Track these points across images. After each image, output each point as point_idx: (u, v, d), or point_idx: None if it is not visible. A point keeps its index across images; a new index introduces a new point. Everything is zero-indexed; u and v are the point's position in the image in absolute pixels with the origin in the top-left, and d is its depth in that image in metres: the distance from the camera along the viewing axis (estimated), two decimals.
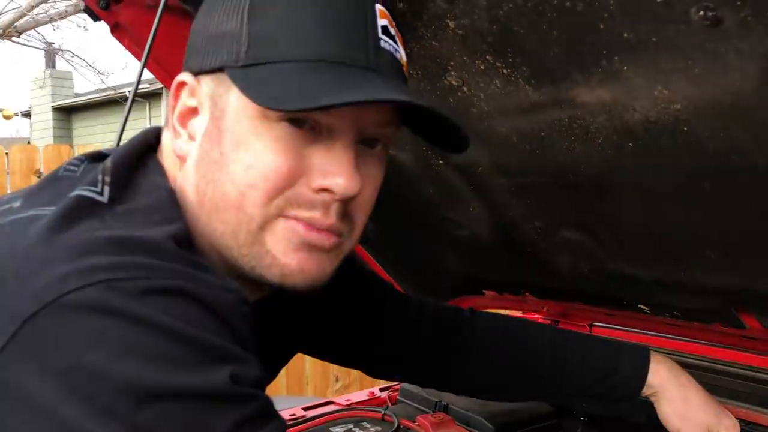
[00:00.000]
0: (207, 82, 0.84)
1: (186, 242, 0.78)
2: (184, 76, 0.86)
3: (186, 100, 0.86)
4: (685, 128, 1.06)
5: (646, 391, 1.26)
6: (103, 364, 0.64)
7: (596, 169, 1.27)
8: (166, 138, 0.92)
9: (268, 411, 0.74)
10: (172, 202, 0.82)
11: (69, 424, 0.63)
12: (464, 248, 1.85)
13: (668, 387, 1.26)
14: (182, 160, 0.86)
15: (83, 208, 0.76)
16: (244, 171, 0.79)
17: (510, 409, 1.77)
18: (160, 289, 0.69)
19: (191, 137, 0.86)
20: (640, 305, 1.58)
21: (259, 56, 0.78)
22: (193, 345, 0.68)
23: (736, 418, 1.39)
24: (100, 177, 0.79)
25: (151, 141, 0.91)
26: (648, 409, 1.30)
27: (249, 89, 0.77)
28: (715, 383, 1.54)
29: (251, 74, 0.78)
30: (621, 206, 1.32)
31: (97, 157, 0.89)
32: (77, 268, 0.68)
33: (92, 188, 0.78)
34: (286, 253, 0.82)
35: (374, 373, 1.45)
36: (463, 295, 2.13)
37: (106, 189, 0.79)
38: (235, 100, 0.81)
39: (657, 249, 1.36)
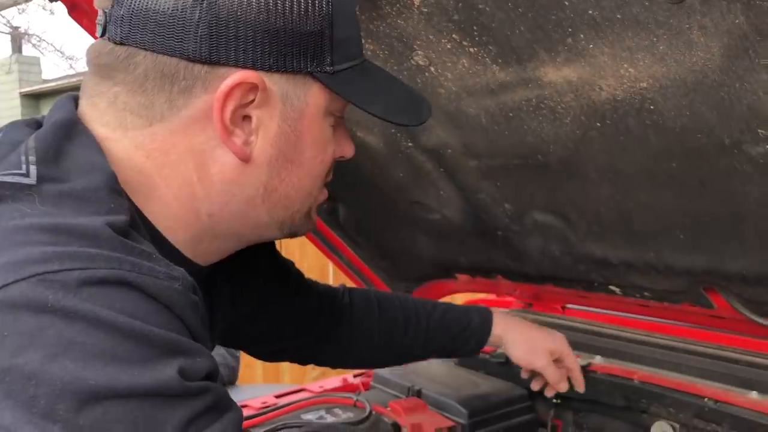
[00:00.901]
0: (279, 82, 0.83)
1: (127, 230, 0.74)
2: (251, 77, 0.80)
3: (244, 98, 0.82)
4: (652, 107, 1.05)
5: (493, 341, 1.47)
6: (38, 365, 0.60)
7: (565, 149, 1.26)
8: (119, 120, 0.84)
9: (222, 403, 0.71)
10: (111, 186, 0.76)
11: (6, 429, 0.59)
12: (435, 232, 1.83)
13: (511, 332, 1.46)
14: (244, 160, 0.85)
15: (7, 196, 0.70)
16: (319, 165, 0.91)
17: (483, 393, 1.76)
18: (98, 280, 0.65)
19: (250, 135, 0.84)
20: (610, 287, 1.58)
21: (338, 60, 0.86)
22: (136, 339, 0.64)
23: (707, 398, 1.40)
24: (23, 157, 0.73)
25: (73, 112, 0.83)
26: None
27: (368, 105, 0.89)
28: (685, 363, 1.55)
29: (345, 82, 0.87)
30: (590, 187, 1.32)
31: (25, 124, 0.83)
32: (6, 261, 0.64)
33: (15, 171, 0.72)
34: (315, 214, 0.99)
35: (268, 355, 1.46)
36: (435, 279, 2.12)
37: (32, 169, 0.73)
38: (313, 102, 0.86)
39: (626, 230, 1.36)
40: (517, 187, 1.48)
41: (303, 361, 1.50)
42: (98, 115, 0.83)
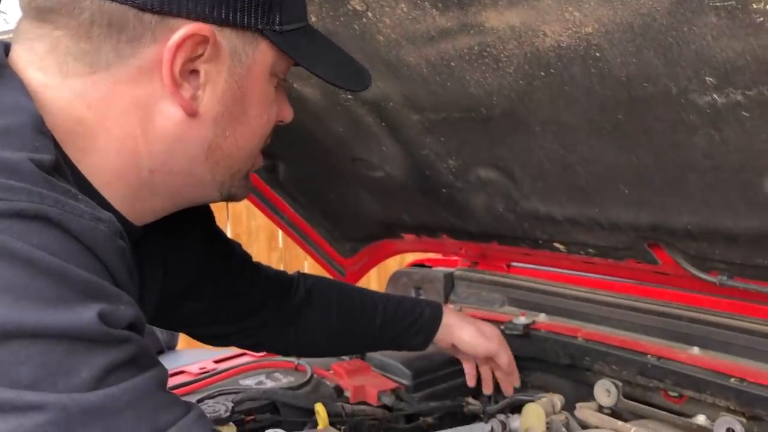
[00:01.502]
0: (229, 37, 0.83)
1: (51, 170, 0.70)
2: (202, 29, 0.79)
3: (194, 51, 0.80)
4: (597, 54, 0.99)
5: (443, 332, 1.47)
6: None
7: (509, 101, 1.20)
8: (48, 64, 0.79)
9: (146, 358, 0.67)
10: (37, 127, 0.72)
11: None
12: (379, 190, 1.77)
13: (460, 321, 1.49)
14: (191, 115, 0.84)
15: None
16: (263, 125, 0.92)
17: (427, 354, 1.72)
18: (15, 212, 0.62)
19: (197, 90, 0.83)
20: (555, 244, 1.55)
21: (286, 20, 0.87)
22: (52, 277, 0.61)
23: (650, 355, 1.40)
24: None
25: (2, 57, 0.78)
26: None
27: (315, 67, 0.91)
28: (629, 319, 1.54)
29: (292, 43, 0.88)
30: (534, 141, 1.27)
31: None
32: None
33: None
34: (250, 179, 0.99)
35: (216, 340, 1.40)
36: (381, 238, 2.07)
37: None
38: (261, 60, 0.87)
39: (571, 186, 1.32)
40: (460, 143, 1.42)
41: (253, 348, 1.48)
42: (35, 59, 0.79)
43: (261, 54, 0.86)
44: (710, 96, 0.96)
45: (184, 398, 1.59)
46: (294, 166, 1.86)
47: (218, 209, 4.33)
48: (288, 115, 1.00)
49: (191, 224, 1.15)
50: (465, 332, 1.47)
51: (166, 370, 0.72)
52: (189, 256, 1.16)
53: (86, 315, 0.62)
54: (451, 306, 1.55)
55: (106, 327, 0.63)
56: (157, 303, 1.10)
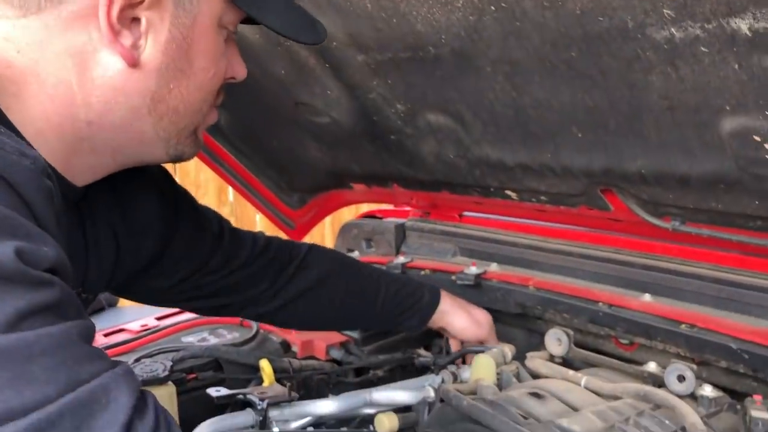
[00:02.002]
0: None
1: None
2: None
3: None
4: None
5: (436, 316, 1.46)
6: None
7: (458, 39, 1.13)
8: None
9: (69, 306, 0.63)
10: None
11: None
12: (326, 137, 1.69)
13: (455, 308, 1.47)
14: (132, 65, 0.80)
15: None
16: (210, 80, 0.88)
17: None
18: None
19: (138, 38, 0.80)
20: (507, 192, 1.50)
21: None
22: None
23: (601, 303, 1.37)
24: None
25: None
26: None
27: (265, 18, 0.88)
28: (581, 267, 1.51)
29: None
30: (485, 82, 1.20)
31: None
32: None
33: None
34: (201, 136, 0.95)
35: (198, 309, 1.40)
36: (330, 189, 2.00)
37: None
38: (207, 10, 0.83)
39: (523, 130, 1.27)
40: (408, 85, 1.35)
41: (256, 319, 1.49)
42: None
43: (207, 3, 0.83)
44: (668, 30, 0.90)
45: (122, 357, 1.53)
46: (235, 113, 1.76)
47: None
48: (240, 72, 0.97)
49: (146, 197, 1.10)
50: (458, 318, 1.46)
51: (92, 324, 0.67)
52: (145, 230, 1.10)
53: (1, 249, 0.57)
54: (446, 292, 1.51)
55: (23, 265, 0.58)
56: (125, 277, 1.09)
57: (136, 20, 0.79)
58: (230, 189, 4.33)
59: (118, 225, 1.03)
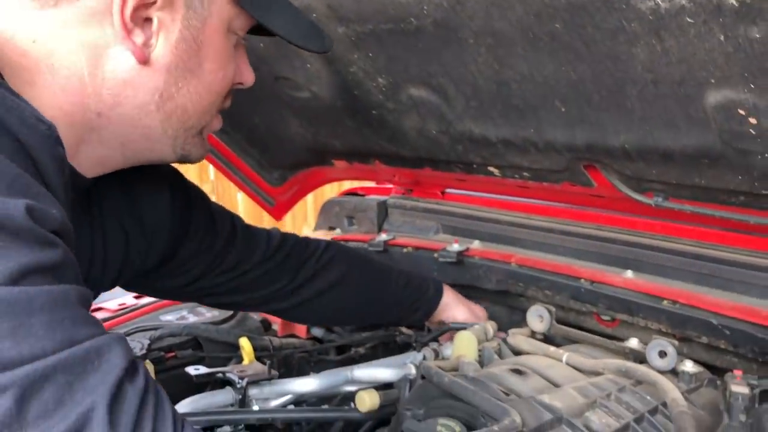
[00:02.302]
0: None
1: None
2: None
3: None
4: None
5: (440, 309, 1.47)
6: None
7: (440, 10, 1.10)
8: None
9: (68, 270, 0.64)
10: None
11: None
12: (307, 113, 1.67)
13: (456, 302, 1.49)
14: (142, 62, 0.83)
15: None
16: (219, 82, 0.91)
17: None
18: None
19: (150, 37, 0.83)
20: (490, 168, 1.49)
21: None
22: None
23: (583, 280, 1.37)
24: None
25: None
26: None
27: (272, 25, 0.92)
28: (564, 244, 1.51)
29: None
30: (468, 55, 1.18)
31: None
32: None
33: None
34: (206, 139, 0.97)
35: (218, 304, 1.40)
36: (311, 166, 1.97)
37: None
38: (217, 13, 0.86)
39: (505, 104, 1.25)
40: (390, 59, 1.32)
41: (274, 315, 1.49)
42: None
43: (217, 7, 0.86)
44: (653, 0, 0.89)
45: None
46: None
47: None
48: (248, 78, 0.99)
49: (158, 196, 1.11)
50: (459, 312, 1.47)
51: (90, 293, 0.68)
52: (156, 230, 1.12)
53: (12, 204, 0.59)
54: (447, 285, 1.52)
55: (32, 223, 0.60)
56: (134, 276, 1.10)
57: (149, 20, 0.82)
58: (211, 167, 4.29)
59: (128, 223, 1.06)
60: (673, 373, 1.19)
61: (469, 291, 1.61)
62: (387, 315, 1.48)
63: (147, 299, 1.68)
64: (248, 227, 1.30)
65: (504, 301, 1.55)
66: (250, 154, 1.97)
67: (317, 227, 2.14)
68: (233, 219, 1.28)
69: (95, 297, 1.06)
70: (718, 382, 1.18)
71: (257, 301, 1.31)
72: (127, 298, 1.70)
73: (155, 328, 1.44)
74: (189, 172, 4.28)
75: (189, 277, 1.21)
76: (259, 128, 1.86)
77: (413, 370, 1.35)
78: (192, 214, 1.18)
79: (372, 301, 1.43)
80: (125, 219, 1.05)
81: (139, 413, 0.62)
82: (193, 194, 1.21)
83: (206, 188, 4.37)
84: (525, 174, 1.44)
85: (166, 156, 0.94)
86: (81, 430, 0.58)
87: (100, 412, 0.59)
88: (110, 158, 0.91)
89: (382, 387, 1.34)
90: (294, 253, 1.32)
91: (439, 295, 1.47)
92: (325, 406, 1.39)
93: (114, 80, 0.83)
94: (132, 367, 0.65)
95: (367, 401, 1.23)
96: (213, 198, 4.42)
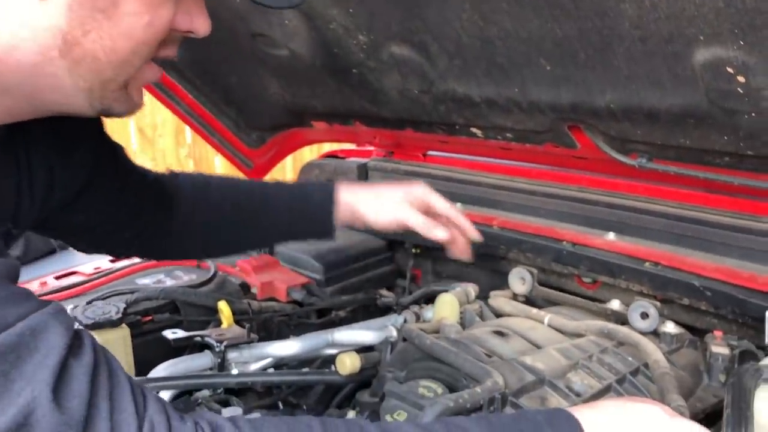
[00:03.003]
0: None
1: None
2: None
3: None
4: None
5: (344, 210, 1.27)
6: None
7: None
8: None
9: None
10: None
11: None
12: (285, 72, 1.62)
13: (361, 194, 1.27)
14: None
15: None
16: (144, 28, 0.75)
17: (340, 247, 1.66)
18: None
19: None
20: (472, 129, 1.46)
21: None
22: None
23: (565, 242, 1.36)
24: None
25: None
26: None
27: None
28: (546, 206, 1.50)
29: None
30: (451, 11, 1.15)
31: None
32: None
33: None
34: (136, 92, 0.83)
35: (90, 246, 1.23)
36: (290, 127, 1.93)
37: None
38: None
39: (489, 62, 1.22)
40: (370, 15, 1.28)
41: (130, 255, 1.34)
42: None
43: None
44: None
45: (74, 300, 1.47)
46: (189, 46, 1.66)
47: None
48: (200, 26, 0.83)
49: (81, 131, 1.00)
50: (367, 207, 1.27)
51: (17, 263, 0.63)
52: (76, 166, 1.01)
53: None
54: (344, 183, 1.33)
55: None
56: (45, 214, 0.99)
57: None
58: (188, 130, 4.21)
59: (53, 156, 0.96)
60: (655, 334, 1.19)
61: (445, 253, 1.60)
62: (270, 233, 1.32)
63: (123, 262, 1.64)
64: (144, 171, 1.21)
65: (486, 263, 1.54)
66: (227, 114, 1.92)
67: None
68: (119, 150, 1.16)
69: (20, 236, 0.99)
70: (699, 343, 1.18)
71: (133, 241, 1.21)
72: (103, 262, 1.67)
73: (131, 292, 1.41)
74: (165, 135, 4.21)
75: (98, 218, 1.11)
76: (236, 88, 1.81)
77: (394, 333, 1.34)
78: (109, 152, 1.09)
79: (239, 221, 1.27)
80: (50, 151, 0.95)
81: (91, 392, 0.58)
82: (110, 142, 1.11)
83: (183, 152, 4.31)
84: (508, 135, 1.42)
85: (82, 109, 0.82)
86: (26, 424, 0.54)
87: (44, 400, 0.54)
88: (19, 109, 0.81)
89: (363, 350, 1.33)
90: (158, 188, 1.21)
91: (328, 197, 1.28)
92: (306, 370, 1.38)
93: (7, 17, 0.71)
94: (76, 342, 0.60)
95: (348, 364, 1.22)
96: (190, 162, 4.35)
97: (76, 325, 0.64)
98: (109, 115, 0.84)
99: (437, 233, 1.23)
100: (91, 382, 0.58)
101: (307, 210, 1.28)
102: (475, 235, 1.28)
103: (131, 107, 0.84)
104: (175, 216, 1.21)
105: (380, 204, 1.26)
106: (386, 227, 1.26)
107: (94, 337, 0.63)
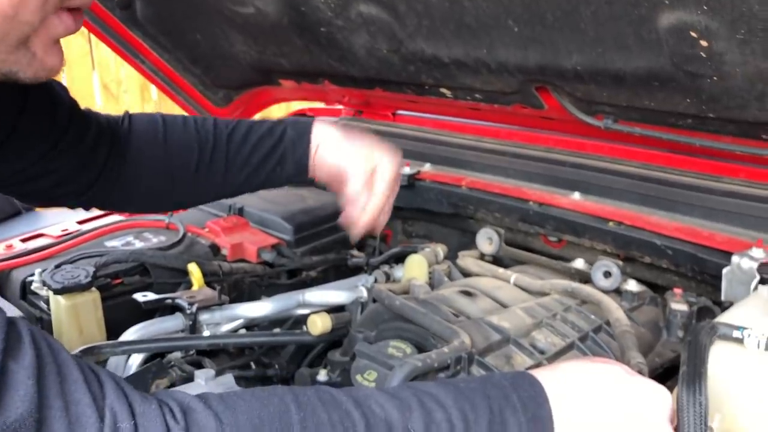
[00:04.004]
0: None
1: None
2: None
3: None
4: None
5: (314, 152, 1.14)
6: None
7: None
8: None
9: None
10: None
11: None
12: (251, 30, 1.59)
13: (328, 137, 1.14)
14: None
15: None
16: None
17: (310, 207, 1.66)
18: None
19: None
20: (441, 89, 1.46)
21: None
22: None
23: (532, 202, 1.38)
24: None
25: None
26: None
27: None
28: (514, 167, 1.51)
29: None
30: None
31: None
32: None
33: None
34: (48, 51, 0.72)
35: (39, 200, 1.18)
36: (257, 86, 1.91)
37: None
38: None
39: (458, 22, 1.21)
40: None
41: (84, 205, 1.22)
42: None
43: None
44: None
45: (41, 263, 1.45)
46: (153, 3, 1.63)
47: (82, 56, 3.92)
48: None
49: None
50: (325, 151, 1.13)
51: None
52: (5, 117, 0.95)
53: None
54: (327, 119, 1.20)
55: None
56: None
57: None
58: (153, 86, 4.12)
59: None
60: (617, 292, 1.23)
61: (419, 214, 1.62)
62: (233, 180, 1.17)
63: (91, 225, 1.62)
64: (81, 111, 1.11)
65: (455, 223, 1.56)
66: (193, 72, 1.89)
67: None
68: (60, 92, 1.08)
69: None
70: (659, 300, 1.22)
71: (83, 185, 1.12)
72: (70, 224, 1.64)
73: (100, 255, 1.40)
74: (130, 91, 4.12)
75: (26, 160, 1.03)
76: (201, 45, 1.77)
77: (364, 293, 1.36)
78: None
79: (195, 166, 1.15)
80: None
81: (40, 394, 0.54)
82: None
83: (148, 108, 4.23)
84: (477, 96, 1.42)
85: None
86: None
87: None
88: None
89: (334, 310, 1.35)
90: (106, 131, 1.12)
91: (303, 135, 1.15)
92: (277, 330, 1.39)
93: None
94: (12, 342, 0.55)
95: (319, 324, 1.23)
96: None
97: (11, 312, 0.59)
98: (16, 78, 0.73)
99: (351, 211, 1.10)
100: (37, 383, 0.54)
101: (278, 149, 1.15)
102: (357, 232, 1.13)
103: (43, 70, 0.73)
104: (128, 163, 1.12)
105: (335, 147, 1.13)
106: (327, 170, 1.14)
107: (32, 326, 0.58)
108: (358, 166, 1.10)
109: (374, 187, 1.10)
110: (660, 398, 0.75)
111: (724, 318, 0.84)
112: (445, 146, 1.64)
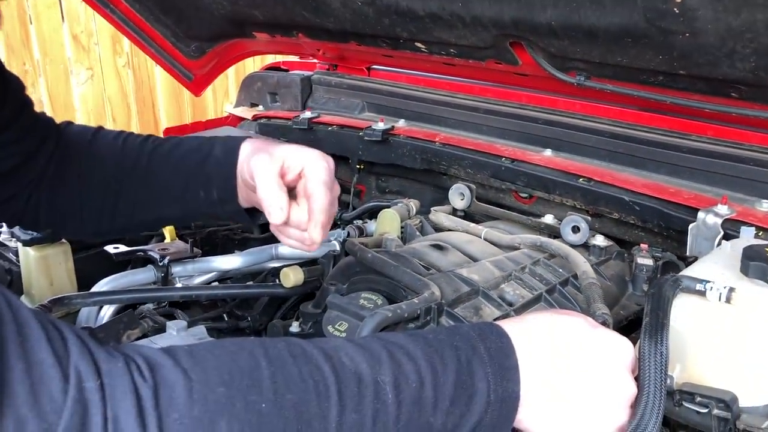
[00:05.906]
0: None
1: None
2: None
3: None
4: None
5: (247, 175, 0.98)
6: None
7: None
8: None
9: None
10: None
11: None
12: None
13: (259, 149, 0.98)
14: None
15: None
16: None
17: None
18: None
19: None
20: (416, 43, 1.45)
21: None
22: None
23: (504, 158, 1.39)
24: None
25: None
26: None
27: None
28: (488, 123, 1.52)
29: None
30: None
31: None
32: None
33: None
34: None
35: None
36: (230, 38, 1.88)
37: None
38: None
39: None
40: None
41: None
42: None
43: None
44: None
45: None
46: None
47: (50, 7, 3.81)
48: None
49: None
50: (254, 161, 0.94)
51: None
52: None
53: None
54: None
55: None
56: None
57: None
58: (125, 38, 4.02)
59: None
60: (585, 247, 1.25)
61: (393, 169, 1.62)
62: (147, 209, 1.07)
63: None
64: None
65: (428, 179, 1.57)
66: (164, 23, 1.85)
67: (238, 103, 2.07)
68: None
69: None
70: (626, 255, 1.25)
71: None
72: None
73: None
74: (102, 43, 4.02)
75: None
76: None
77: (337, 247, 1.37)
78: None
79: (105, 188, 1.05)
80: None
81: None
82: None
83: (121, 61, 4.13)
84: (451, 50, 1.41)
85: None
86: None
87: None
88: None
89: (307, 263, 1.36)
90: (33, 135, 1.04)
91: (231, 153, 1.01)
92: (250, 282, 1.40)
93: None
94: None
95: (292, 277, 1.24)
96: (128, 72, 4.15)
97: None
98: None
99: (275, 216, 0.89)
100: None
101: (204, 169, 1.02)
102: (312, 246, 0.95)
103: None
104: (46, 173, 1.03)
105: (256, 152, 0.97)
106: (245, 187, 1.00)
107: None
108: (263, 165, 0.91)
109: (308, 190, 0.92)
110: (622, 348, 0.77)
111: (688, 272, 0.86)
112: (420, 102, 1.64)
